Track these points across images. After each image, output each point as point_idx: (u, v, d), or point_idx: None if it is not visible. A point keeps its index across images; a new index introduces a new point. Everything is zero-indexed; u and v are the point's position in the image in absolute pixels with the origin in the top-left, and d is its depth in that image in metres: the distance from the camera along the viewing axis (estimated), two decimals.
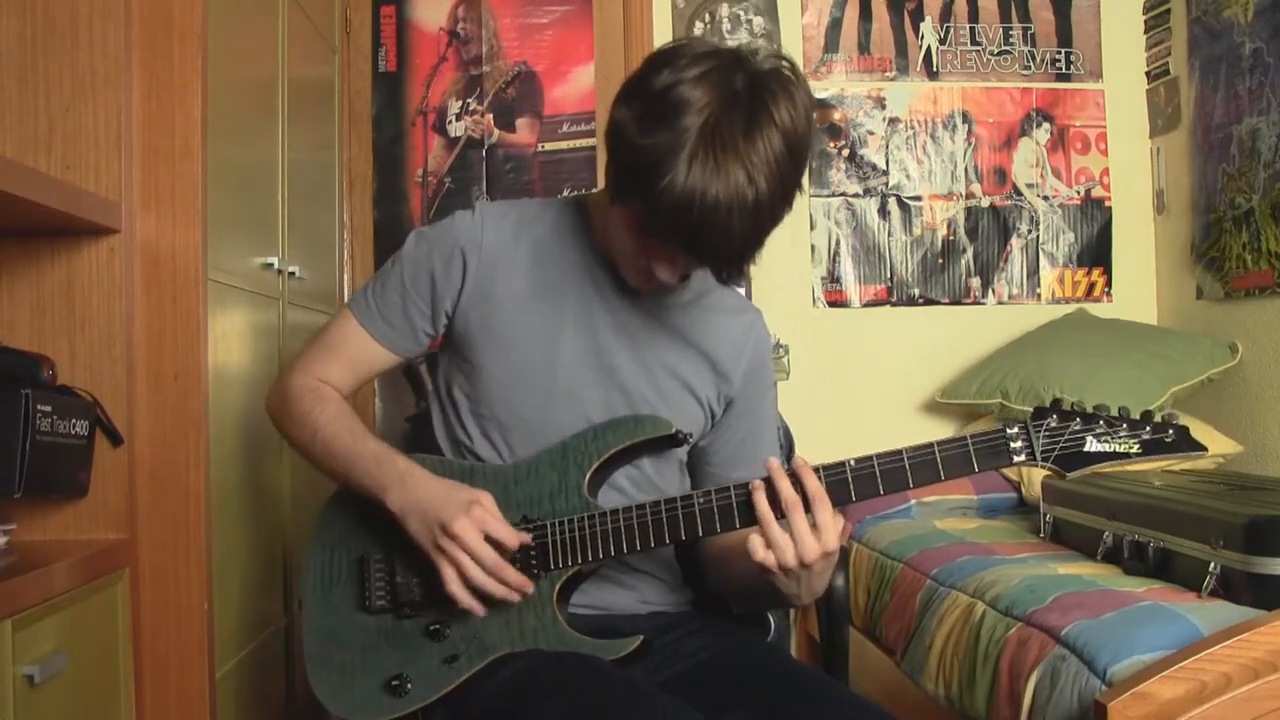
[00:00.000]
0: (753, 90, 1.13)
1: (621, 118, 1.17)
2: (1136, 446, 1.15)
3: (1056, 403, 1.17)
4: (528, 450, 1.32)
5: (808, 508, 1.14)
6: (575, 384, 1.32)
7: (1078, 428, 1.15)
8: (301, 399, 1.35)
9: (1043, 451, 1.15)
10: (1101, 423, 1.16)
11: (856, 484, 1.16)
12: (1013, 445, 1.16)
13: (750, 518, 1.17)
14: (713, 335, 1.38)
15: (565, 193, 2.95)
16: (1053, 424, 1.15)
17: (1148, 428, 1.15)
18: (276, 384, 1.41)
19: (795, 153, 1.14)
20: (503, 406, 1.32)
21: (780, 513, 1.15)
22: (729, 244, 1.15)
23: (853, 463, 1.17)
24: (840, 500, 1.16)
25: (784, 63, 1.16)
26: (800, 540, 1.13)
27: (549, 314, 1.32)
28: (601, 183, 1.30)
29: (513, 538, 1.22)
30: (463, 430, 1.35)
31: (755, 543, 1.14)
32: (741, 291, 2.96)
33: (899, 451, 1.16)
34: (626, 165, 1.17)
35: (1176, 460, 1.16)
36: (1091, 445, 1.15)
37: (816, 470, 1.16)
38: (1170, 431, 1.15)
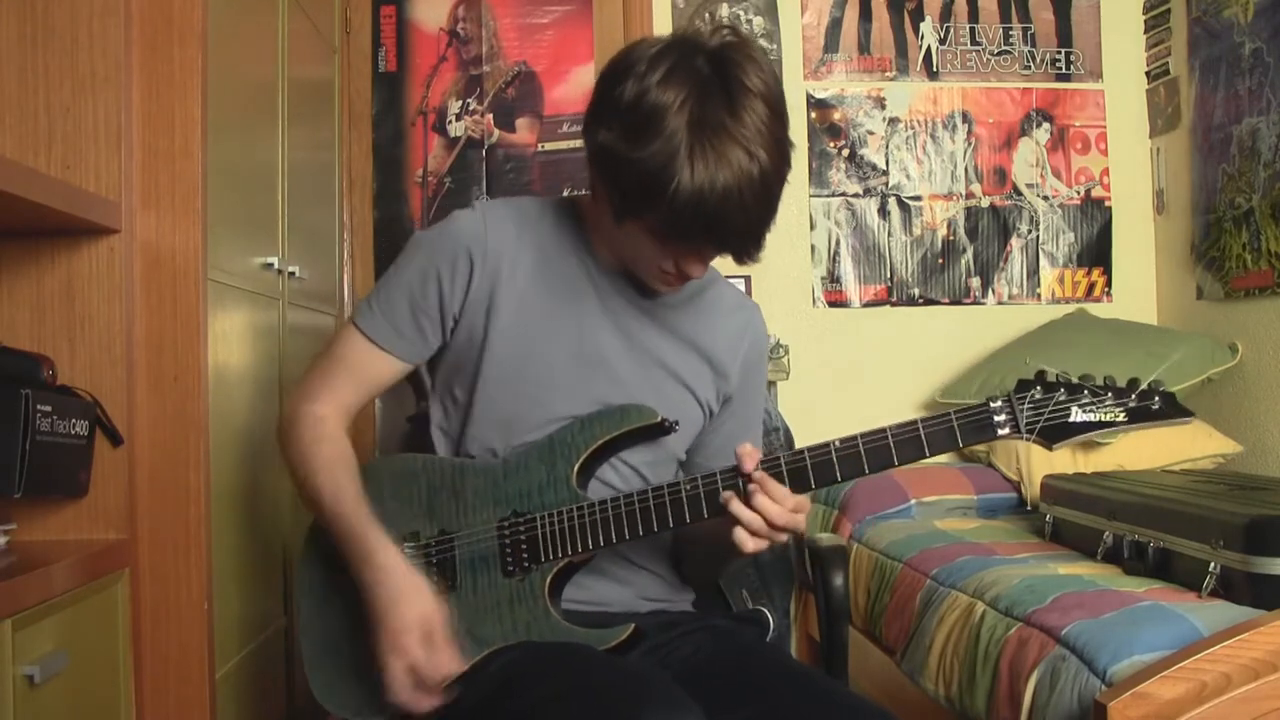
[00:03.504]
0: (718, 69, 1.16)
1: (606, 140, 1.19)
2: (1123, 415, 1.14)
3: (1040, 374, 1.16)
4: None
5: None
6: (572, 383, 1.32)
7: (1063, 398, 1.14)
8: (303, 434, 1.33)
9: (1027, 424, 1.15)
10: (1086, 393, 1.15)
11: (841, 463, 1.18)
12: (996, 419, 1.16)
13: None
14: (710, 333, 1.39)
15: (566, 193, 2.95)
16: (1036, 396, 1.15)
17: (1133, 396, 1.14)
18: (286, 404, 1.40)
19: (778, 112, 1.17)
20: (502, 405, 1.32)
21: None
22: (747, 222, 1.17)
23: (837, 443, 1.19)
24: (826, 480, 1.19)
25: (727, 32, 1.20)
26: (770, 512, 1.17)
27: (550, 314, 1.33)
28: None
29: (435, 675, 1.20)
30: (462, 428, 1.35)
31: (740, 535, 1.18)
32: (741, 286, 2.96)
33: (883, 430, 1.18)
34: (628, 183, 1.18)
35: (1164, 427, 1.15)
36: (1077, 415, 1.14)
37: (801, 452, 1.19)
38: (1156, 399, 1.14)
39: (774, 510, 1.16)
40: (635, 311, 1.35)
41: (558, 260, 1.34)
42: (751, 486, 1.18)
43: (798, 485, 1.19)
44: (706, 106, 1.14)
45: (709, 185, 1.13)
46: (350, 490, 1.29)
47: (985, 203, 3.13)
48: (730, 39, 1.19)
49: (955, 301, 3.12)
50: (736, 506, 1.18)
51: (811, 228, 3.08)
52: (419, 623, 1.20)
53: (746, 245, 1.21)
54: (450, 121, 3.04)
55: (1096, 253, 3.14)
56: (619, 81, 1.19)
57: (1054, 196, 3.13)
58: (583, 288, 1.34)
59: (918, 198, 3.11)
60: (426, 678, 1.20)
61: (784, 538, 1.20)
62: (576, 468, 1.28)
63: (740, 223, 1.17)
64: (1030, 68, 3.14)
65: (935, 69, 3.12)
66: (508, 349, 1.32)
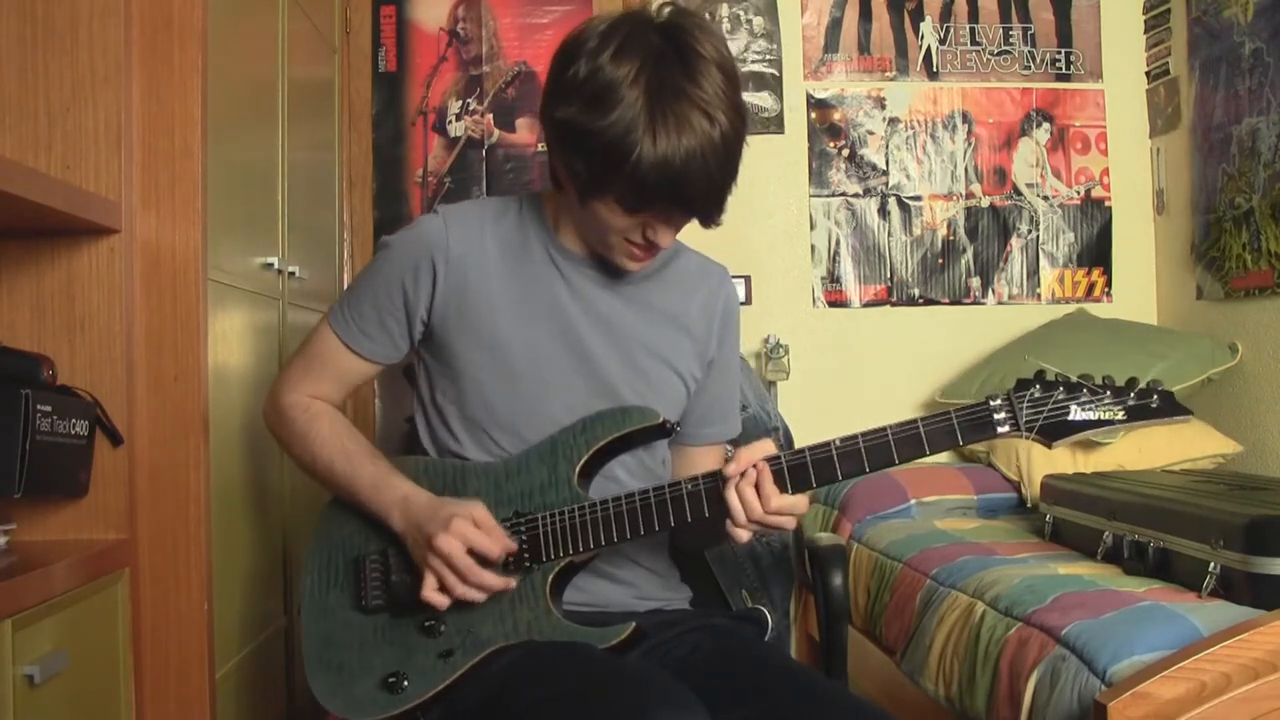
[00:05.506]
0: (671, 40, 1.19)
1: (566, 115, 1.20)
2: (1122, 413, 1.16)
3: (1040, 374, 1.18)
4: (517, 448, 1.33)
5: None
6: (558, 377, 1.33)
7: (1062, 397, 1.16)
8: (295, 420, 1.37)
9: (1026, 421, 1.16)
10: (1085, 391, 1.16)
11: (842, 461, 1.19)
12: (996, 416, 1.17)
13: None
14: (684, 302, 1.40)
15: None
16: (1036, 394, 1.16)
17: (1132, 394, 1.16)
18: (270, 398, 1.42)
19: (732, 77, 1.20)
20: (490, 407, 1.33)
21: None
22: (710, 185, 1.20)
23: (838, 442, 1.20)
24: (827, 478, 1.20)
25: (671, 7, 1.23)
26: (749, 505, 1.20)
27: (523, 310, 1.33)
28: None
29: (494, 548, 1.23)
30: (450, 435, 1.36)
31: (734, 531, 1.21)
32: (741, 287, 2.96)
33: (884, 428, 1.19)
34: (592, 154, 1.19)
35: (1162, 425, 1.16)
36: (1076, 414, 1.16)
37: (802, 451, 1.20)
38: (1155, 397, 1.15)
39: (752, 503, 1.18)
40: (606, 295, 1.35)
41: (525, 255, 1.35)
42: (749, 473, 1.19)
43: (798, 483, 1.20)
44: (664, 74, 1.16)
45: (672, 150, 1.15)
46: (361, 450, 1.34)
47: (985, 203, 3.13)
48: (677, 12, 1.22)
49: (955, 301, 3.12)
50: (728, 492, 1.19)
51: (811, 228, 3.09)
52: (467, 511, 1.24)
53: (710, 208, 1.24)
54: (450, 121, 3.04)
55: (1096, 253, 3.14)
56: (571, 62, 1.20)
57: (1054, 196, 3.13)
58: (552, 280, 1.34)
59: (918, 198, 3.11)
60: (486, 549, 1.22)
61: (769, 530, 1.22)
62: (578, 468, 1.29)
63: (704, 186, 1.19)
64: (1030, 68, 3.14)
65: (935, 69, 3.12)
66: (487, 350, 1.32)
